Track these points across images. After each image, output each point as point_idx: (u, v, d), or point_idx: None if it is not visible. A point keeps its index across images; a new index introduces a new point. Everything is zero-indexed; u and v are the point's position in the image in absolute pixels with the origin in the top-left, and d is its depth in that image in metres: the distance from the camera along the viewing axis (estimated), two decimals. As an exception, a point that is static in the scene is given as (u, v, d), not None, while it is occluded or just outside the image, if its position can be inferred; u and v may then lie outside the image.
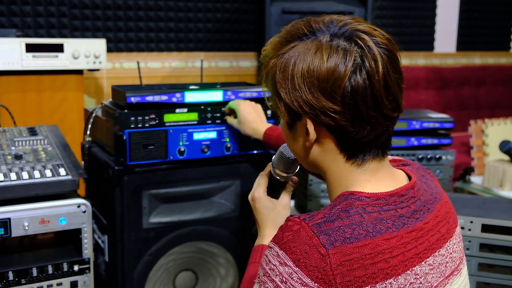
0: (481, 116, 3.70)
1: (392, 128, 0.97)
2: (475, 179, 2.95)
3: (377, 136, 0.94)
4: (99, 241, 1.98)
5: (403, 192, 0.96)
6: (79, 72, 2.43)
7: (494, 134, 3.41)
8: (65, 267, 1.66)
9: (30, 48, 2.27)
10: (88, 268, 1.69)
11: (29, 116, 2.35)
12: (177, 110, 1.82)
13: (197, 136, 1.85)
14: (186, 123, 1.84)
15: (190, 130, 1.83)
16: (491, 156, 3.28)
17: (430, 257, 0.93)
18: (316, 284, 0.84)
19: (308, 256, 0.84)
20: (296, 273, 0.85)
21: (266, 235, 1.21)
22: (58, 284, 1.65)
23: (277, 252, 0.88)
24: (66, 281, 1.67)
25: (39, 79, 2.37)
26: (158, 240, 1.88)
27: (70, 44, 2.34)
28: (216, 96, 1.88)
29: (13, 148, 1.75)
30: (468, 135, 3.45)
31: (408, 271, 0.88)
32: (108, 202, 1.84)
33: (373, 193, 0.93)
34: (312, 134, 0.95)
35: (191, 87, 1.92)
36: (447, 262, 0.97)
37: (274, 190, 1.25)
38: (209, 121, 1.87)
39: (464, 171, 2.95)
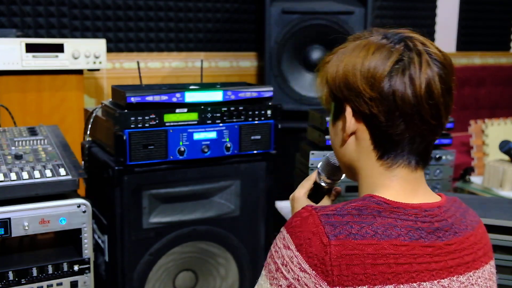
0: (481, 116, 3.70)
1: (430, 139, 0.97)
2: (475, 179, 2.95)
3: (411, 138, 0.94)
4: (99, 241, 1.98)
5: (427, 208, 0.94)
6: (79, 72, 2.43)
7: (494, 134, 3.41)
8: (65, 267, 1.66)
9: (30, 48, 2.27)
10: (88, 268, 1.69)
11: (29, 116, 2.35)
12: (177, 110, 1.82)
13: (197, 136, 1.85)
14: (186, 123, 1.84)
15: (190, 130, 1.84)
16: (491, 156, 3.28)
17: (446, 279, 0.91)
18: (313, 272, 0.85)
19: (310, 243, 0.86)
20: (296, 258, 0.87)
21: None
22: (58, 284, 1.65)
23: (284, 236, 0.90)
24: (66, 281, 1.67)
25: (39, 79, 2.36)
26: (158, 240, 1.88)
27: (70, 44, 2.34)
28: (216, 96, 1.88)
29: (13, 148, 1.75)
30: (468, 135, 3.45)
31: (415, 284, 0.87)
32: (108, 202, 1.84)
33: (395, 201, 0.92)
34: (349, 123, 0.97)
35: (191, 87, 1.92)
36: None
37: (315, 195, 1.27)
38: (209, 121, 1.87)
39: (464, 171, 2.95)
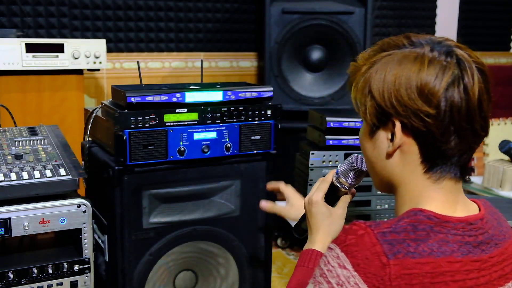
0: (481, 116, 3.69)
1: (474, 151, 0.96)
2: (475, 179, 2.95)
3: (461, 152, 0.93)
4: (99, 241, 1.98)
5: (472, 221, 0.94)
6: (79, 72, 2.43)
7: (494, 134, 3.41)
8: (65, 267, 1.66)
9: (30, 48, 2.27)
10: (88, 268, 1.69)
11: (29, 116, 2.35)
12: (177, 110, 1.82)
13: (197, 136, 1.85)
14: (186, 123, 1.84)
15: (190, 130, 1.84)
16: (491, 156, 3.28)
17: None
18: None
19: (369, 262, 0.84)
20: (354, 278, 0.85)
21: (318, 241, 1.20)
22: (58, 284, 1.65)
23: (338, 254, 0.88)
24: (66, 281, 1.67)
25: (39, 79, 2.37)
26: (158, 240, 1.88)
27: (70, 44, 2.34)
28: (216, 96, 1.88)
29: (13, 148, 1.76)
30: (468, 135, 3.45)
31: None
32: (108, 202, 1.84)
33: (443, 215, 0.91)
34: (399, 139, 0.94)
35: (191, 87, 1.92)
36: None
37: (331, 198, 1.25)
38: (209, 121, 1.87)
39: (464, 171, 2.95)
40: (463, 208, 0.97)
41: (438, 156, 0.93)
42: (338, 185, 1.24)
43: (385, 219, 0.91)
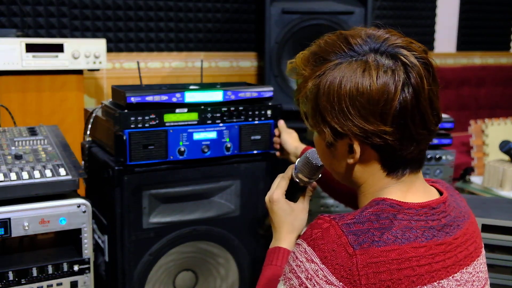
0: (481, 116, 3.70)
1: (430, 141, 0.98)
2: (475, 179, 2.95)
3: (419, 150, 0.95)
4: (99, 241, 1.98)
5: (435, 205, 0.96)
6: (79, 72, 2.43)
7: (494, 134, 3.41)
8: (65, 267, 1.66)
9: (30, 48, 2.27)
10: (88, 268, 1.69)
11: (29, 116, 2.35)
12: (177, 110, 1.82)
13: (197, 136, 1.85)
14: (186, 123, 1.84)
15: (190, 130, 1.84)
16: (491, 156, 3.28)
17: (458, 273, 0.93)
18: (341, 283, 0.84)
19: (335, 254, 0.85)
20: (322, 270, 0.86)
21: (282, 238, 1.20)
22: (58, 284, 1.65)
23: (305, 249, 0.89)
24: (66, 281, 1.67)
25: (39, 79, 2.36)
26: (158, 240, 1.88)
27: (70, 44, 2.34)
28: (216, 96, 1.88)
29: (13, 148, 1.75)
30: (468, 135, 3.45)
31: (435, 283, 0.88)
32: (108, 202, 1.84)
33: (405, 202, 0.93)
34: (358, 154, 0.94)
35: (191, 87, 1.92)
36: (473, 281, 0.96)
37: (291, 193, 1.25)
38: (209, 121, 1.87)
39: (464, 171, 2.96)
40: (425, 194, 0.99)
41: (398, 162, 0.95)
42: (297, 180, 1.24)
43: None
